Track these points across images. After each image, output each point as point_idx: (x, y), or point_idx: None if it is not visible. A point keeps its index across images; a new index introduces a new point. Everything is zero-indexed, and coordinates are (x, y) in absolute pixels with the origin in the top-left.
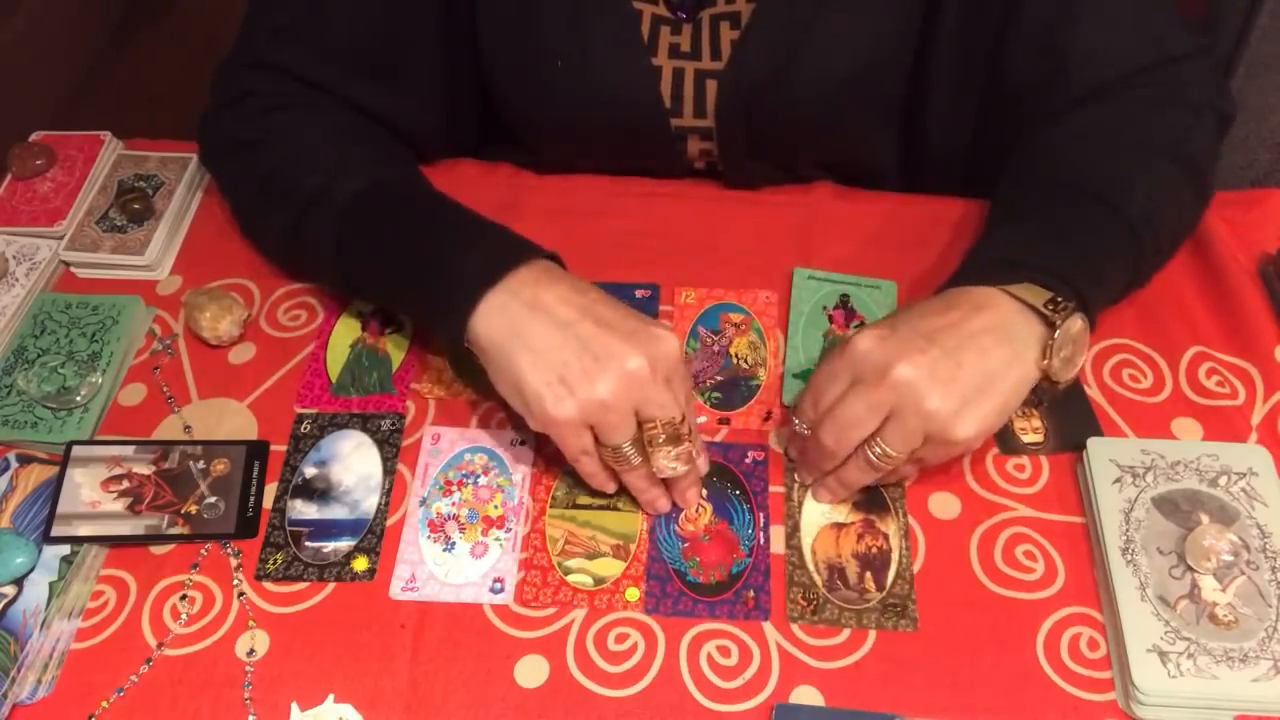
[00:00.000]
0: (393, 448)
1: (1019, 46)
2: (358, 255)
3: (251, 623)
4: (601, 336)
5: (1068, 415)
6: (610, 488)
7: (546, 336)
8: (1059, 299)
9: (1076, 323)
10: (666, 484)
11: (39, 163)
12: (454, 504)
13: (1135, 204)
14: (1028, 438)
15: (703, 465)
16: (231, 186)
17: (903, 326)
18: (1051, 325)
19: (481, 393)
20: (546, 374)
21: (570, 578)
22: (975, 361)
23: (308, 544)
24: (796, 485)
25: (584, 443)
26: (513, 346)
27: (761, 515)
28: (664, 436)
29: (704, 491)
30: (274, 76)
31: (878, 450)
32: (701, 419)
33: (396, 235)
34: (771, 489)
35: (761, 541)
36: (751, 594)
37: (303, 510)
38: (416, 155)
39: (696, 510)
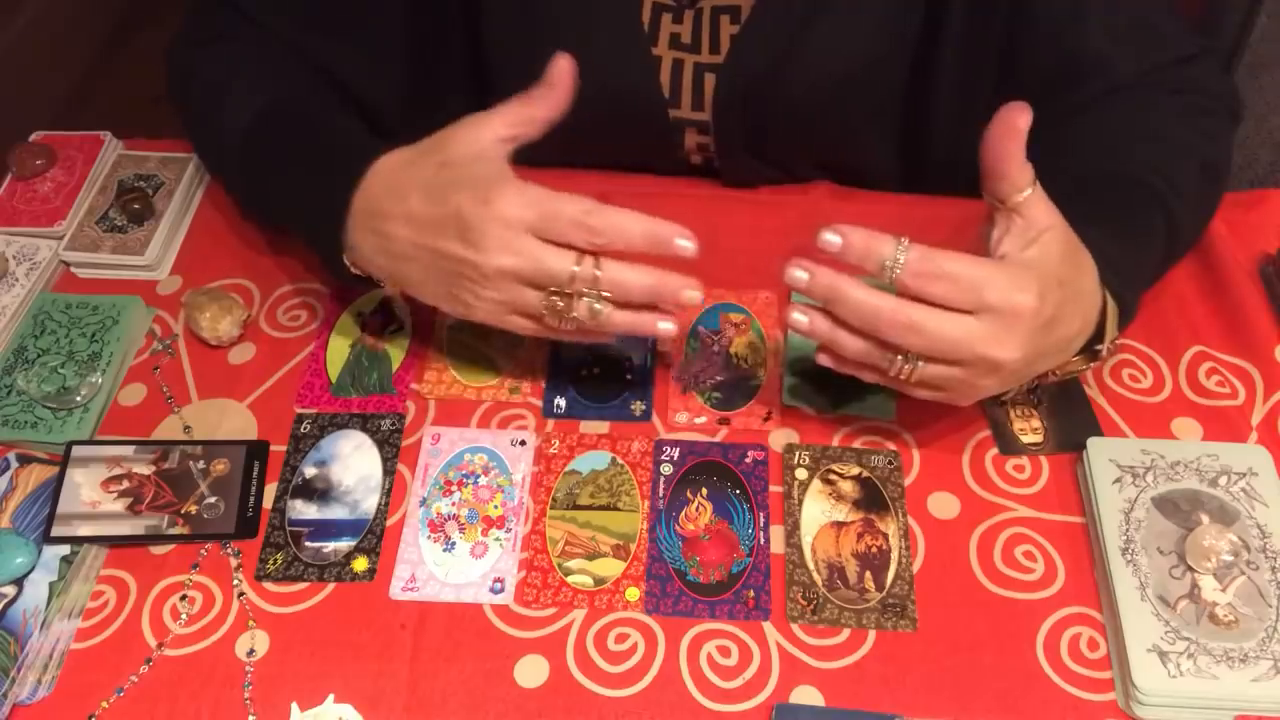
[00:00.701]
0: (393, 448)
1: (1029, 46)
2: (252, 199)
3: (251, 623)
4: (447, 250)
5: (1068, 415)
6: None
7: (412, 270)
8: (1117, 340)
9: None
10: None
11: (39, 163)
12: (454, 504)
13: (1186, 216)
14: (1027, 438)
15: (683, 244)
16: (182, 122)
17: (1048, 338)
18: (1095, 356)
19: (481, 388)
20: (441, 296)
21: (570, 578)
22: (1045, 363)
23: (308, 544)
24: (796, 484)
25: (522, 323)
26: (402, 284)
27: (761, 515)
28: (559, 301)
29: (704, 490)
30: (227, 15)
31: (909, 367)
32: (701, 419)
33: (272, 181)
34: (771, 489)
35: (762, 541)
36: (751, 594)
37: (303, 510)
38: (380, 128)
39: (697, 509)
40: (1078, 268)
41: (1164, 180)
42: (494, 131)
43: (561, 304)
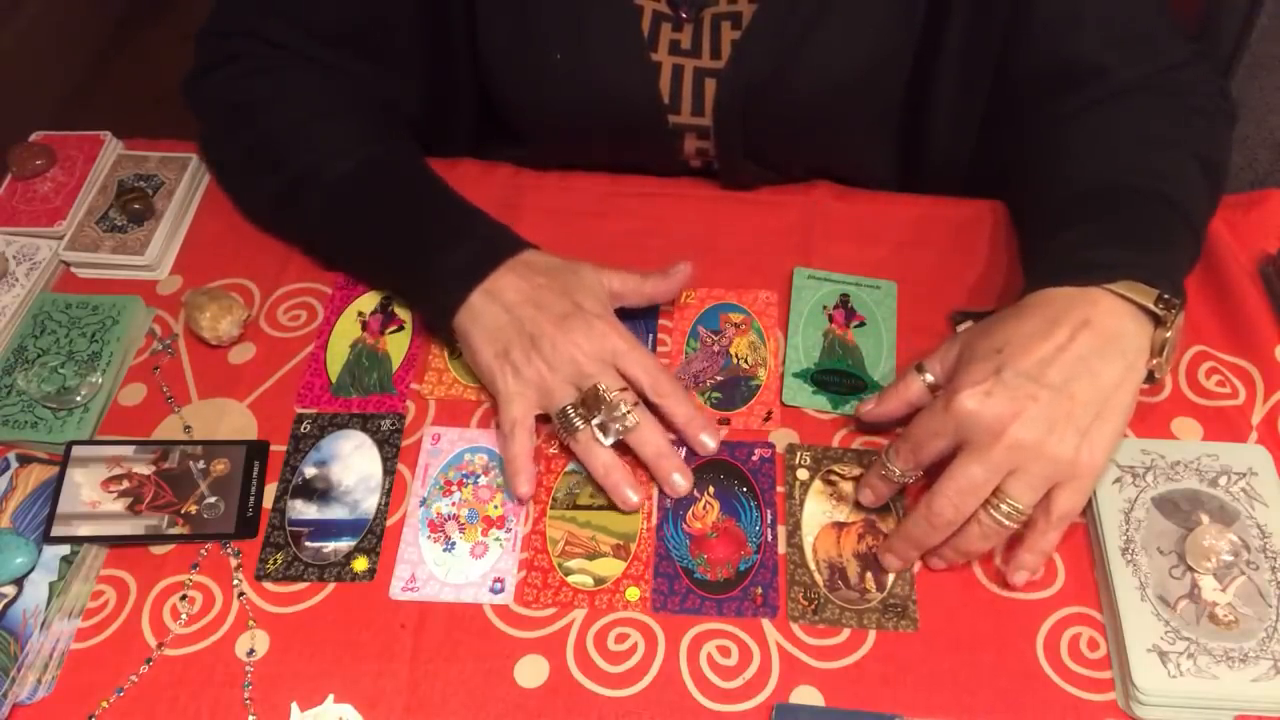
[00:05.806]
0: (393, 448)
1: (1026, 52)
2: (344, 239)
3: (251, 623)
4: (547, 311)
5: None
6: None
7: (496, 317)
8: (1165, 295)
9: (1181, 317)
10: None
11: (39, 163)
12: (454, 504)
13: (1188, 199)
14: None
15: (708, 441)
16: (216, 146)
17: (1007, 370)
18: (1161, 323)
19: (481, 388)
20: (495, 350)
21: (571, 578)
22: (1089, 389)
23: (308, 544)
24: (797, 484)
25: (525, 415)
26: (472, 328)
27: (769, 512)
28: (598, 400)
29: (711, 488)
30: (257, 42)
31: (1004, 508)
32: None
33: (381, 224)
34: (778, 487)
35: (769, 538)
36: (759, 590)
37: (303, 510)
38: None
39: (704, 507)
40: (1005, 331)
41: (1174, 185)
42: (609, 282)
43: (577, 421)
